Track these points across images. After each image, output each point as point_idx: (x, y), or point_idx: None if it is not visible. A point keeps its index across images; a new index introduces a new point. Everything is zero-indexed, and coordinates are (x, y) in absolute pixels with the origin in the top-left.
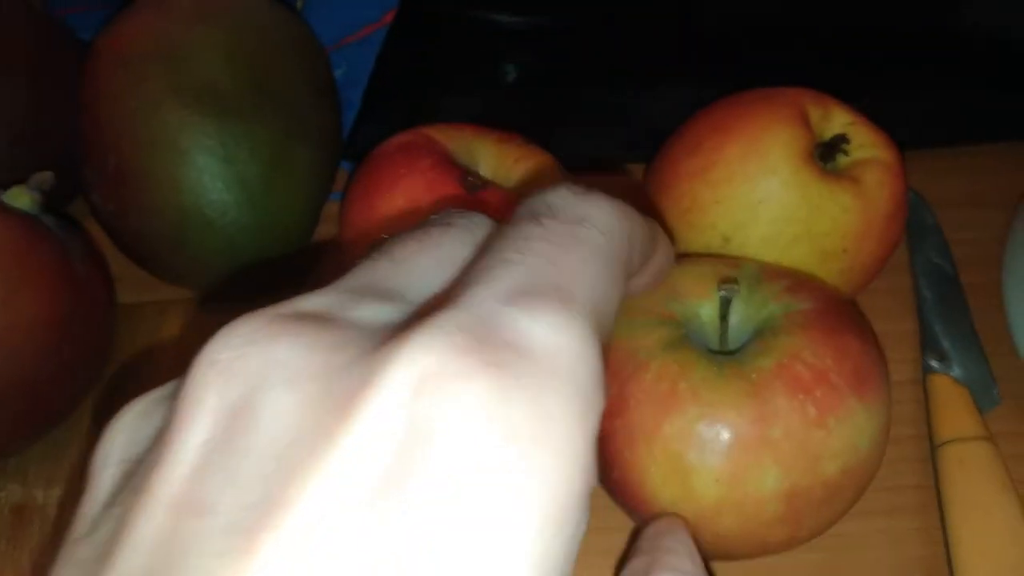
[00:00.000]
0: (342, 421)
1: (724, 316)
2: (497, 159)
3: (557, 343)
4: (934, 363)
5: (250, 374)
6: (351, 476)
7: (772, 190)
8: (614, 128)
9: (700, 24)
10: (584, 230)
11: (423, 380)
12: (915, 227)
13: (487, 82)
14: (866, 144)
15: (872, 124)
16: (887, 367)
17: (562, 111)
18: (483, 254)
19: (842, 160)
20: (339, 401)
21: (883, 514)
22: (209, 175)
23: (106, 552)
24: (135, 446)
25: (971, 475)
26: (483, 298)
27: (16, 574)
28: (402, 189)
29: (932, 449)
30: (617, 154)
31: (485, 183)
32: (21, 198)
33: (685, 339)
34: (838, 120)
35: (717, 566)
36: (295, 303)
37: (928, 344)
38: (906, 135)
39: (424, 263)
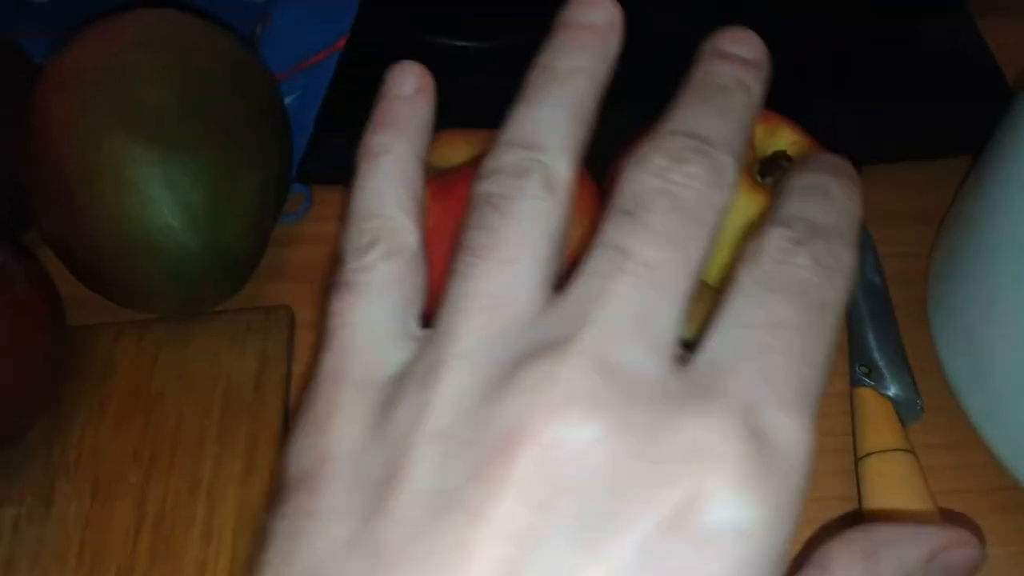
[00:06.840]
0: (649, 486)
1: None
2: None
3: (796, 449)
4: (862, 376)
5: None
6: (639, 520)
7: None
8: None
9: (658, 44)
10: (823, 320)
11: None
12: None
13: (441, 105)
14: None
15: (819, 145)
16: None
17: None
18: (732, 324)
19: (779, 175)
20: (646, 471)
21: (805, 524)
22: (152, 203)
23: (383, 486)
24: (382, 369)
25: (890, 485)
26: (749, 389)
27: None
28: None
29: (855, 461)
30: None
31: None
32: None
33: None
34: (784, 140)
35: None
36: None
37: (857, 358)
38: (839, 152)
39: (535, 274)
